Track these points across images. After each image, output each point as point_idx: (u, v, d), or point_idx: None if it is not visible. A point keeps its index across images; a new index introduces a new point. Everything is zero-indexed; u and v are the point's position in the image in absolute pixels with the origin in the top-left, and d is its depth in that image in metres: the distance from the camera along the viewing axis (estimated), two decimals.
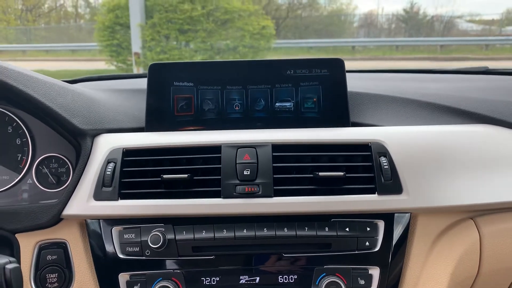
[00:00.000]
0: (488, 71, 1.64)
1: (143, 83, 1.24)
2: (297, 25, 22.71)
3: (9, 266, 0.71)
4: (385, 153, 1.01)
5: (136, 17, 9.90)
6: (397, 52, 17.85)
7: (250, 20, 10.29)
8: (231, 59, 9.69)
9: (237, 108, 1.17)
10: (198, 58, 9.66)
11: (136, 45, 9.99)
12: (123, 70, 10.36)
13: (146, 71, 1.18)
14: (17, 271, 0.73)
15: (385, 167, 0.98)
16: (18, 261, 0.98)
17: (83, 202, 0.98)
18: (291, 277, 0.98)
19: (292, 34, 22.07)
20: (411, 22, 23.00)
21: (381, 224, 0.98)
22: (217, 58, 9.93)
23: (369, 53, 18.05)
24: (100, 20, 10.72)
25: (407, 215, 0.99)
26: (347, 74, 1.16)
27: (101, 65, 11.22)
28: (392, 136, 1.04)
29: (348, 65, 1.16)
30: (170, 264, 0.97)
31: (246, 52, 10.00)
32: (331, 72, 1.16)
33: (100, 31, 10.51)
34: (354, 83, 1.24)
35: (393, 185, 0.97)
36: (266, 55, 10.39)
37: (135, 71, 9.77)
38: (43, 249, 1.00)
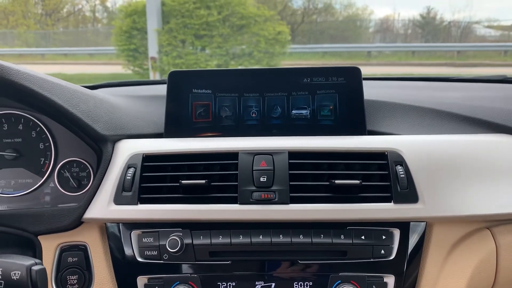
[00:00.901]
0: (506, 80, 1.62)
1: (162, 89, 1.26)
2: (312, 30, 22.70)
3: (35, 268, 0.73)
4: (401, 161, 1.01)
5: (153, 22, 10.01)
6: (414, 57, 17.69)
7: (265, 25, 10.31)
8: (246, 64, 9.70)
9: (254, 115, 1.18)
10: (213, 63, 9.70)
11: (152, 50, 10.07)
12: (139, 75, 10.47)
13: (162, 76, 1.20)
14: (43, 272, 0.75)
15: (401, 175, 0.98)
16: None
17: (103, 206, 1.00)
18: (306, 284, 0.99)
19: (307, 39, 22.04)
20: (428, 27, 22.78)
21: (396, 233, 0.98)
22: (233, 63, 9.96)
23: (385, 59, 17.90)
24: (118, 25, 10.86)
25: (423, 224, 0.99)
26: (363, 82, 1.17)
27: (118, 69, 11.35)
28: (408, 145, 1.04)
29: (364, 70, 1.17)
30: (187, 268, 0.99)
31: (261, 57, 10.02)
32: (348, 80, 1.17)
33: (117, 36, 10.65)
34: (370, 91, 1.24)
35: (409, 194, 0.98)
36: (281, 60, 10.39)
37: (151, 75, 9.85)
38: (64, 251, 1.03)
